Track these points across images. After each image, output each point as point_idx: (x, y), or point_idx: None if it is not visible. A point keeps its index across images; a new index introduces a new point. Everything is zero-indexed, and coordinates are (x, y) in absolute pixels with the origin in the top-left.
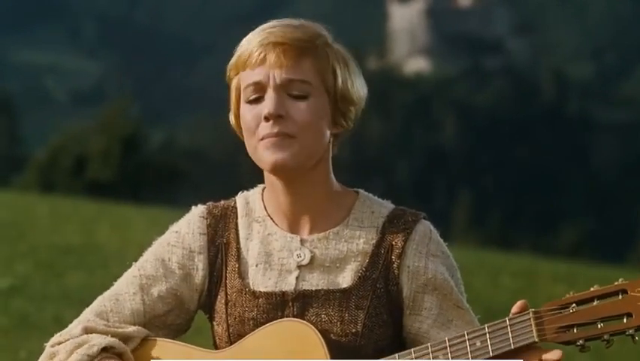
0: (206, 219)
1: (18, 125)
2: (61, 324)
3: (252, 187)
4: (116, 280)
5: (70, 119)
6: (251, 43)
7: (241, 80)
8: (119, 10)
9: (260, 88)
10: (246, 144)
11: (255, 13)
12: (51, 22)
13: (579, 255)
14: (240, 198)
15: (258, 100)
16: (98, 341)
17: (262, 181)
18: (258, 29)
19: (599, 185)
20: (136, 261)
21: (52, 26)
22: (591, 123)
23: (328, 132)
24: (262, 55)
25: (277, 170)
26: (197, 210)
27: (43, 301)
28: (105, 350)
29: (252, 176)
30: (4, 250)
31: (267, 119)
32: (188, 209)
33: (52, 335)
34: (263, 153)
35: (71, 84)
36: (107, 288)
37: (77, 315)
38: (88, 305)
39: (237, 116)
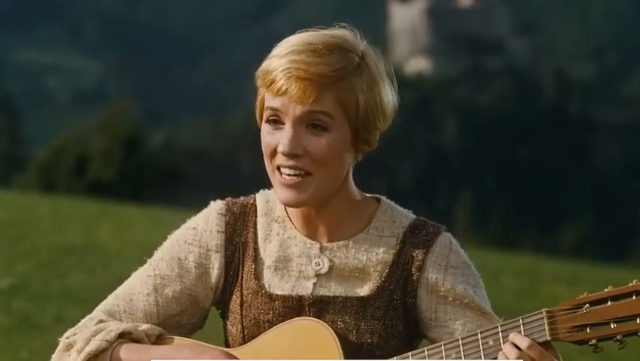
0: (225, 216)
1: (19, 125)
2: (63, 324)
3: (253, 186)
4: (117, 280)
5: (72, 119)
6: (277, 66)
7: (265, 98)
8: (120, 10)
9: (278, 115)
10: (265, 160)
11: (257, 12)
12: (52, 22)
13: (581, 255)
14: (260, 196)
15: (276, 122)
16: (115, 326)
17: (263, 180)
18: (287, 46)
19: (600, 185)
20: (137, 261)
21: (53, 26)
22: (592, 123)
23: (349, 162)
24: (284, 87)
25: (290, 206)
26: (216, 207)
27: (45, 301)
28: (122, 335)
29: (253, 176)
30: (5, 250)
31: (283, 154)
32: (189, 209)
33: (54, 335)
34: (278, 187)
35: (73, 84)
36: (108, 288)
37: (78, 315)
38: (89, 305)
39: (257, 120)
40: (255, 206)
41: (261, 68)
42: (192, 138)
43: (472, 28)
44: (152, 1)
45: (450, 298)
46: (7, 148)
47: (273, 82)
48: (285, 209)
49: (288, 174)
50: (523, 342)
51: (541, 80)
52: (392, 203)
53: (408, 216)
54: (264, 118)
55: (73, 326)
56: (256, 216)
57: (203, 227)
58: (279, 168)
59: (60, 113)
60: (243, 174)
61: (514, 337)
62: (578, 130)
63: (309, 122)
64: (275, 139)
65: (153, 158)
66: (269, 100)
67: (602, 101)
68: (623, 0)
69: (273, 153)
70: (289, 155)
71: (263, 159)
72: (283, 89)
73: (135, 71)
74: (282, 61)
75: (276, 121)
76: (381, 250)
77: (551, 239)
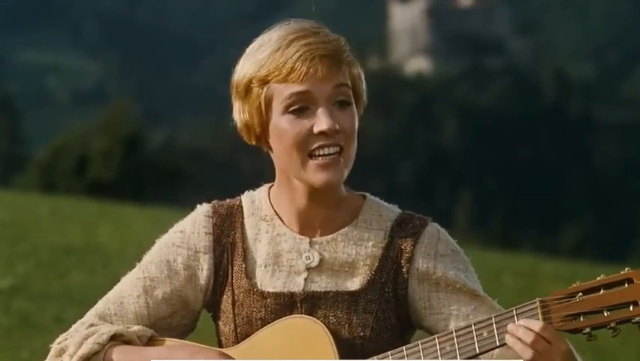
0: (212, 218)
1: (19, 125)
2: (63, 324)
3: (254, 186)
4: (117, 280)
5: (72, 119)
6: (287, 56)
7: (276, 91)
8: (120, 10)
9: (306, 98)
10: (283, 156)
11: (257, 12)
12: (53, 22)
13: (581, 255)
14: (246, 197)
15: (301, 110)
16: (107, 329)
17: (263, 180)
18: (279, 40)
19: (600, 185)
20: (137, 261)
21: (53, 26)
22: (592, 123)
23: None
24: (310, 68)
25: (327, 189)
26: (203, 209)
27: (45, 301)
28: (114, 338)
29: (253, 176)
30: (6, 250)
31: (323, 134)
32: (189, 209)
33: (54, 335)
34: (314, 171)
35: (73, 84)
36: (108, 288)
37: (78, 315)
38: (89, 305)
39: (253, 125)
40: (241, 207)
41: (256, 73)
42: (192, 138)
43: (472, 28)
44: (152, 1)
45: (442, 285)
46: (7, 148)
47: (291, 70)
48: (273, 207)
49: (328, 153)
50: (536, 325)
51: (541, 80)
52: (377, 199)
53: (394, 210)
54: (283, 109)
55: (74, 325)
56: (243, 217)
57: (190, 230)
58: (311, 154)
59: (60, 113)
60: (243, 174)
61: (527, 322)
62: (578, 130)
63: (336, 99)
64: (304, 125)
65: (153, 158)
66: (288, 89)
67: (602, 101)
68: (623, 0)
69: (304, 140)
70: (331, 131)
71: (263, 159)
72: (311, 71)
73: (135, 71)
74: (290, 50)
75: (300, 109)
76: (370, 243)
77: (551, 239)
